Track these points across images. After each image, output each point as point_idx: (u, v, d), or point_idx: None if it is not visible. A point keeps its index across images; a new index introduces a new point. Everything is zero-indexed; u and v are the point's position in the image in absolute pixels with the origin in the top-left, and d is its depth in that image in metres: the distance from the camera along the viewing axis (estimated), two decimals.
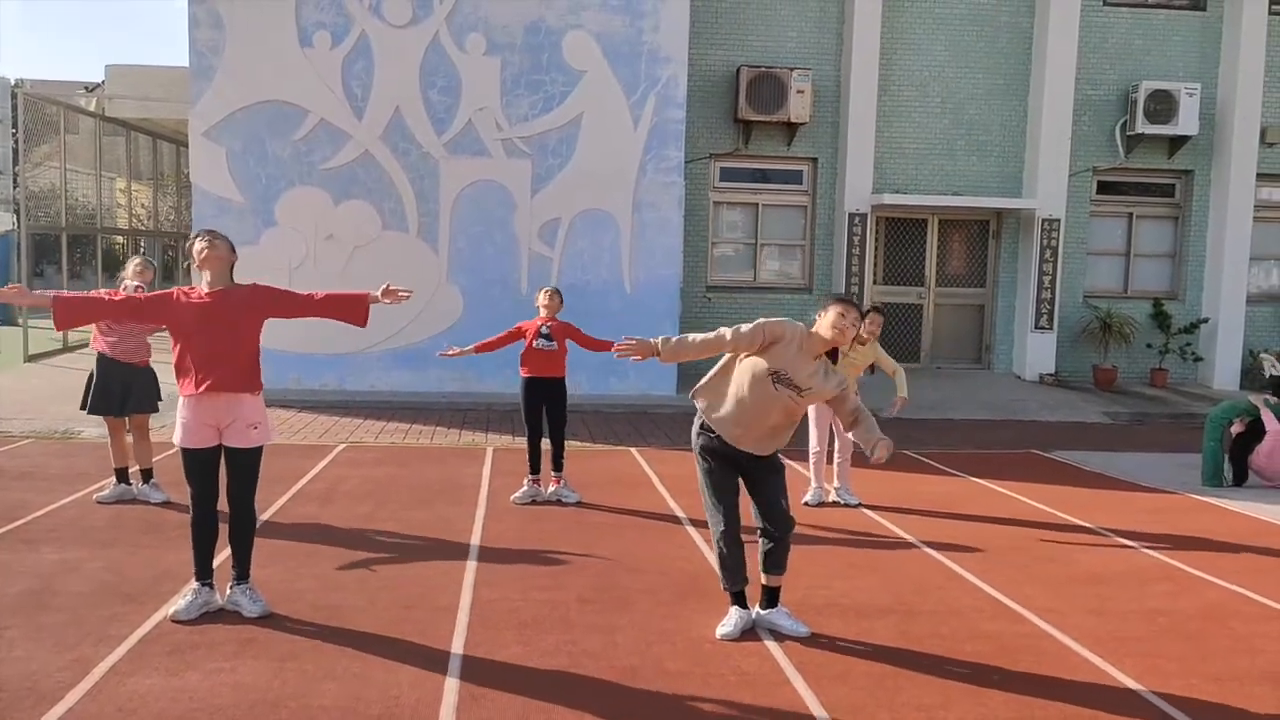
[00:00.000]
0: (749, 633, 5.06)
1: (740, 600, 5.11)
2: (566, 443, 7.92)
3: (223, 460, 5.09)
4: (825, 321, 4.86)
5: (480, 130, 12.75)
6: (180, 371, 5.00)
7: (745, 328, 4.82)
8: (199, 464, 5.03)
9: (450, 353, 7.71)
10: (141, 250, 7.20)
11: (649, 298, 13.07)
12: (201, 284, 5.05)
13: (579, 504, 7.68)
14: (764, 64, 14.52)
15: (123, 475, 7.42)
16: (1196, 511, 8.15)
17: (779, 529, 4.99)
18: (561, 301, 7.85)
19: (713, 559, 6.30)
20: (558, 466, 7.78)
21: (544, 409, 7.72)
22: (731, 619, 5.05)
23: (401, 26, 12.52)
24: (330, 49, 12.50)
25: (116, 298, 5.14)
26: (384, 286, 5.33)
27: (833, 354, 4.99)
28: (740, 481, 5.07)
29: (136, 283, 7.00)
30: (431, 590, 5.59)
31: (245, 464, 5.08)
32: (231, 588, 5.17)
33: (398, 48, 12.55)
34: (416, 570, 5.95)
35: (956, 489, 8.72)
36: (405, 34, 12.54)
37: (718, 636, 4.96)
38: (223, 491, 5.12)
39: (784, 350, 4.81)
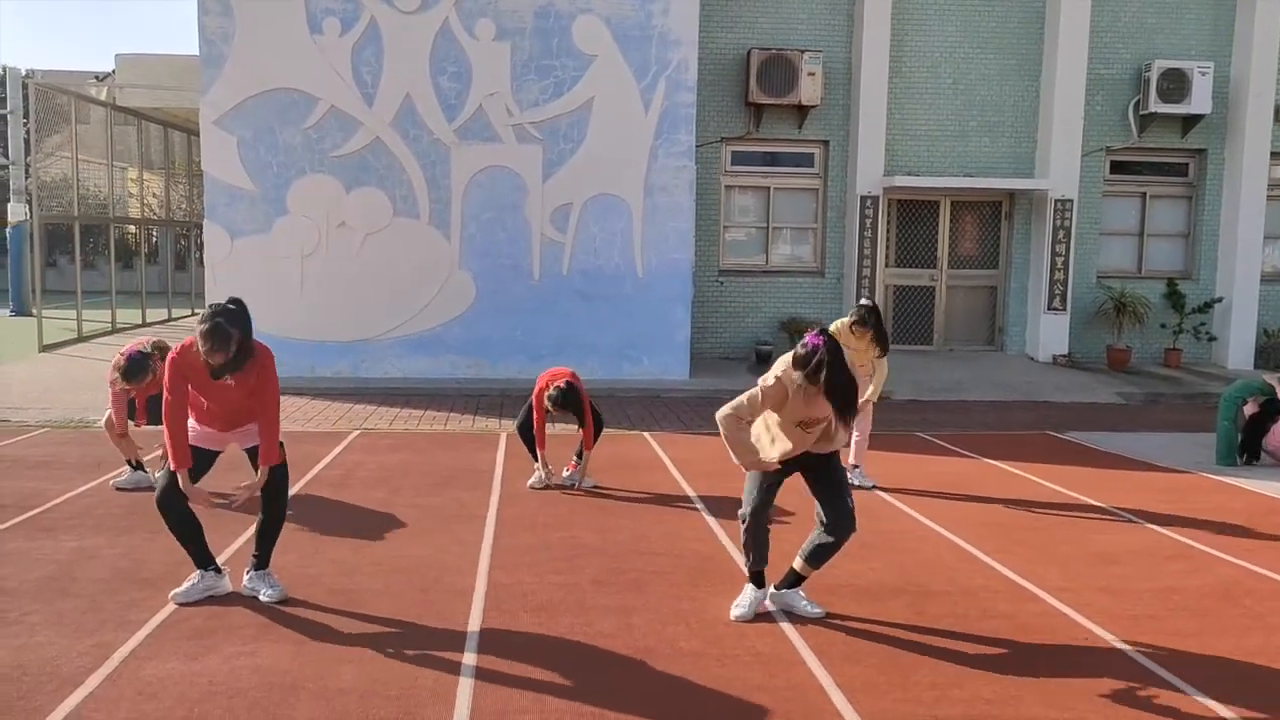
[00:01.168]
0: (763, 613, 5.08)
1: (759, 579, 5.11)
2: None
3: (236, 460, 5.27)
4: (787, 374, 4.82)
5: (491, 116, 12.74)
6: (195, 408, 5.05)
7: (750, 401, 4.90)
8: (196, 460, 5.04)
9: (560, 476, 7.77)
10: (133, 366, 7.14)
11: (661, 282, 13.08)
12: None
13: (593, 488, 7.70)
14: (774, 46, 14.47)
15: (137, 464, 7.48)
16: (1210, 490, 8.14)
17: (843, 531, 4.98)
18: (577, 405, 7.50)
19: (735, 539, 6.32)
20: (581, 454, 7.79)
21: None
22: (746, 598, 5.07)
23: (411, 13, 12.51)
24: (340, 36, 12.49)
25: (172, 403, 4.95)
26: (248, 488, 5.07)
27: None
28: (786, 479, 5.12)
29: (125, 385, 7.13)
30: (447, 574, 5.63)
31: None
32: (249, 573, 5.22)
33: (407, 34, 12.54)
34: (432, 554, 5.99)
35: (970, 470, 8.71)
36: (414, 20, 12.53)
37: (732, 618, 4.98)
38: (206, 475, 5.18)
39: (793, 401, 4.82)
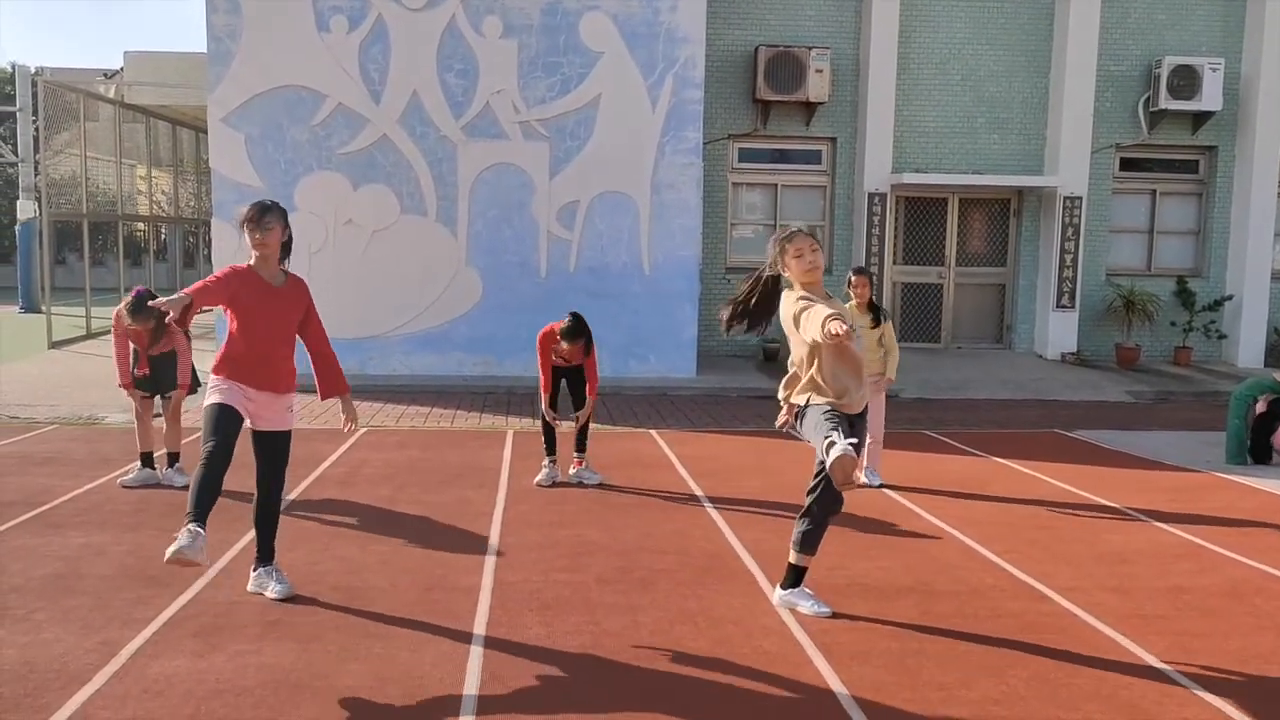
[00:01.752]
0: (770, 612, 5.06)
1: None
2: (590, 425, 7.90)
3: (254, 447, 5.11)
4: (789, 268, 4.89)
5: (498, 113, 12.74)
6: (241, 335, 4.95)
7: (808, 313, 4.67)
8: (227, 422, 4.86)
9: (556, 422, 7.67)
10: (137, 303, 7.26)
11: (668, 279, 13.06)
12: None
13: (600, 485, 7.69)
14: (782, 43, 14.43)
15: (147, 460, 7.49)
16: (1220, 489, 8.10)
17: (832, 508, 4.92)
18: (587, 344, 7.41)
19: (742, 537, 6.31)
20: (580, 448, 7.80)
21: (562, 385, 7.68)
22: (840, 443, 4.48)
23: (418, 10, 12.51)
24: (347, 33, 12.50)
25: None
26: (348, 421, 5.39)
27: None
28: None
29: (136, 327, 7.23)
30: (453, 572, 5.62)
31: (279, 444, 5.09)
32: (255, 570, 5.20)
33: (414, 31, 12.54)
34: (438, 552, 5.98)
35: (978, 469, 8.68)
36: (422, 17, 12.53)
37: (835, 457, 4.38)
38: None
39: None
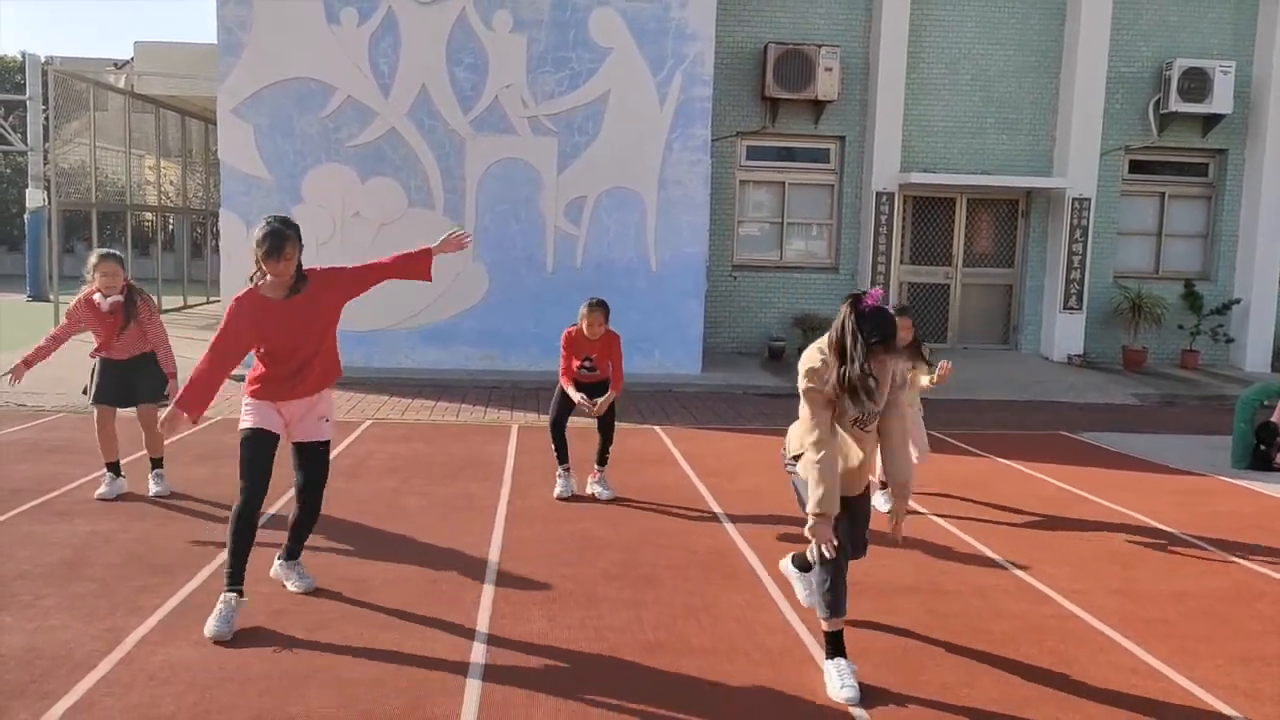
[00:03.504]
0: (773, 610, 5.07)
1: (839, 643, 4.27)
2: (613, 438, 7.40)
3: (294, 456, 4.95)
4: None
5: (506, 108, 12.74)
6: (264, 358, 4.79)
7: (808, 409, 4.10)
8: (263, 451, 4.72)
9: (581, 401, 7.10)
10: (109, 250, 6.57)
11: (674, 276, 13.06)
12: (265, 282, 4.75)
13: (613, 500, 7.20)
14: (791, 41, 14.43)
15: (115, 468, 6.86)
16: (1225, 493, 8.09)
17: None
18: (606, 315, 7.19)
19: (745, 534, 6.32)
20: (601, 461, 7.32)
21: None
22: (844, 676, 4.16)
23: (428, 3, 12.52)
24: (357, 26, 12.51)
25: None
26: (447, 235, 5.34)
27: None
28: None
29: (112, 299, 6.55)
30: (457, 564, 5.63)
31: (318, 456, 4.95)
32: (279, 561, 5.18)
33: (424, 25, 12.55)
34: (442, 545, 5.99)
35: (983, 470, 8.68)
36: (432, 11, 12.54)
37: (842, 701, 4.07)
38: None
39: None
